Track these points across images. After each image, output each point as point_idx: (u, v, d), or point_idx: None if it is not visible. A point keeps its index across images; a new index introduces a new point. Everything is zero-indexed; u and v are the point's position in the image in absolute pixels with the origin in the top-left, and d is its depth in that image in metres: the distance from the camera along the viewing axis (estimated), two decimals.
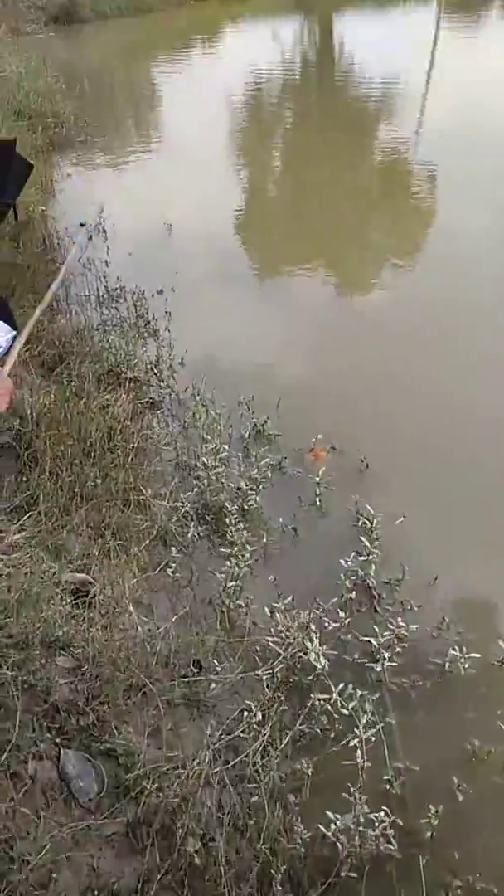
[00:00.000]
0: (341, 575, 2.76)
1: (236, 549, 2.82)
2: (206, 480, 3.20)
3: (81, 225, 6.26)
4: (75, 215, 6.40)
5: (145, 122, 10.57)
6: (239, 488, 3.21)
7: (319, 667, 2.36)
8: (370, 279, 5.50)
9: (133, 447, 3.40)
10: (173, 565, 2.84)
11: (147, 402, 3.92)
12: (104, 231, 6.03)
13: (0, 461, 3.21)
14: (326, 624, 2.56)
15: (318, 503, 3.26)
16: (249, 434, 3.67)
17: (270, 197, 7.80)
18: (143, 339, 4.56)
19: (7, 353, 2.68)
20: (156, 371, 4.12)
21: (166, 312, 4.89)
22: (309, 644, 2.39)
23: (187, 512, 3.05)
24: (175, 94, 11.51)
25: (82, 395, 3.57)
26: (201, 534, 3.07)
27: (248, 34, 16.64)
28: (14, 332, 2.73)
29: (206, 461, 3.21)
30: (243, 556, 2.79)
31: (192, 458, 3.48)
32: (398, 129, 8.90)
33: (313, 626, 2.51)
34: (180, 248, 5.92)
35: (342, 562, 2.79)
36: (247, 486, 3.19)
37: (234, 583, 2.70)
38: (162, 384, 4.02)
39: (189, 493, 3.22)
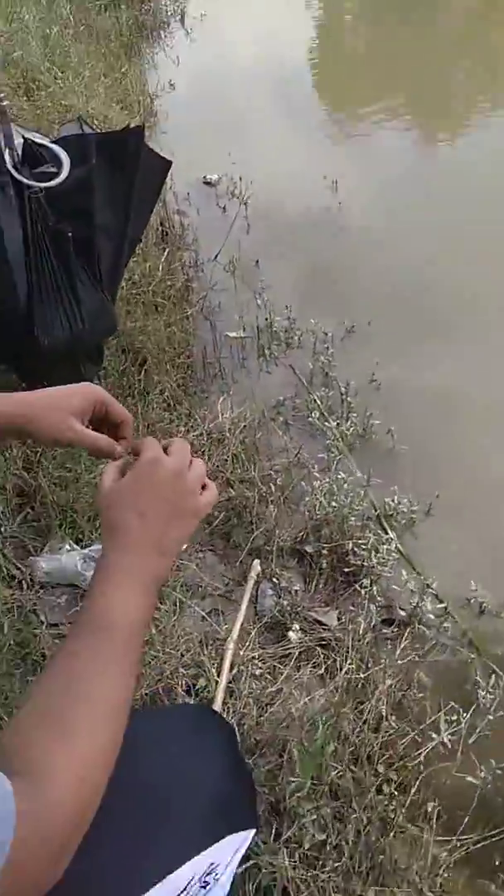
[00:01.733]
0: None
1: None
2: None
3: (207, 183, 4.28)
4: (192, 161, 4.36)
5: None
6: None
7: None
8: None
9: (425, 812, 1.72)
10: None
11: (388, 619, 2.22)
12: (245, 202, 4.03)
13: None
14: None
15: None
16: None
17: None
18: (346, 441, 2.77)
19: None
20: (400, 549, 2.36)
21: (372, 380, 3.04)
22: None
23: None
24: None
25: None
26: None
27: None
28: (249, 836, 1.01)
29: None
30: None
31: None
32: None
33: None
34: (360, 231, 3.93)
35: None
36: None
37: None
38: (427, 588, 2.24)
39: None
